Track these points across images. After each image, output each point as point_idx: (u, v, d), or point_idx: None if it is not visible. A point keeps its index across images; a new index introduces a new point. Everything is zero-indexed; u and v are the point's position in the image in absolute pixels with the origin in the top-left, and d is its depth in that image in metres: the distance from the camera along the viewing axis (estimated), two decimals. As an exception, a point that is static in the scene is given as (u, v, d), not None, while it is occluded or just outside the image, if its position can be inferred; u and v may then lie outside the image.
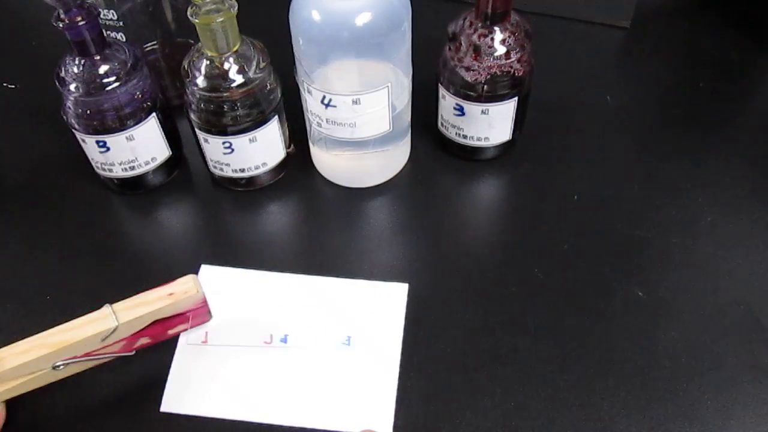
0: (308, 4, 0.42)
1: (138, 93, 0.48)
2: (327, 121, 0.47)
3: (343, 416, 0.41)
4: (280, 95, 0.49)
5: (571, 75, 0.61)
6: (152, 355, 0.43)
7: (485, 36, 0.46)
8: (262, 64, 0.46)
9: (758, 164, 0.53)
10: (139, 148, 0.50)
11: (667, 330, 0.44)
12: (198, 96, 0.46)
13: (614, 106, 0.58)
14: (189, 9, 0.43)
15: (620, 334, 0.44)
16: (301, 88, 0.47)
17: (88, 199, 0.53)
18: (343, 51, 0.43)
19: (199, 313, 0.42)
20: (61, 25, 0.44)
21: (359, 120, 0.46)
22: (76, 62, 0.46)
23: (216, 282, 0.47)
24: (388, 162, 0.53)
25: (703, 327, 0.44)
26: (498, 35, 0.46)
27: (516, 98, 0.49)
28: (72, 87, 0.46)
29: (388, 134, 0.49)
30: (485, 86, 0.48)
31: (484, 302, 0.46)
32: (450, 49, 0.48)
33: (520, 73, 0.48)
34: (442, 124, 0.53)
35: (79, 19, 0.43)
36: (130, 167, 0.50)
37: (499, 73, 0.47)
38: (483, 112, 0.49)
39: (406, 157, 0.54)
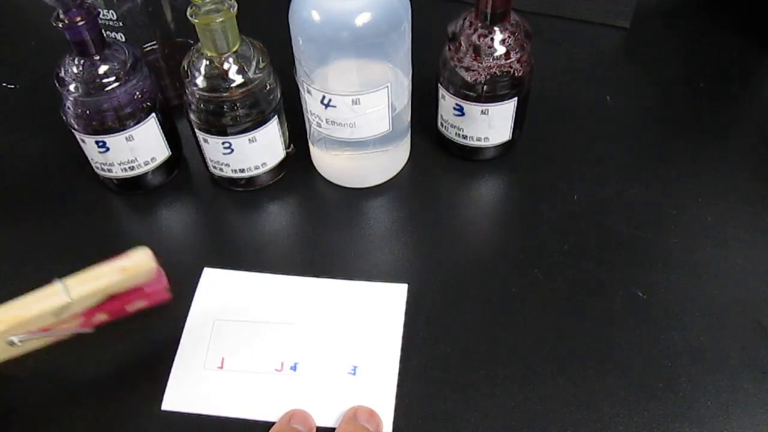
0: (308, 4, 0.42)
1: (137, 93, 0.48)
2: (327, 121, 0.47)
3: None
4: (279, 95, 0.49)
5: (571, 75, 0.61)
6: (154, 354, 0.44)
7: (485, 36, 0.46)
8: (261, 64, 0.46)
9: (758, 164, 0.53)
10: (138, 149, 0.50)
11: (667, 330, 0.44)
12: (198, 96, 0.46)
13: (614, 106, 0.58)
14: (189, 9, 0.43)
15: (620, 334, 0.44)
16: (300, 88, 0.47)
17: (87, 199, 0.53)
18: (343, 51, 0.43)
19: (157, 290, 0.40)
20: (60, 25, 0.44)
21: (359, 120, 0.46)
22: (76, 62, 0.46)
23: (218, 285, 0.47)
24: (388, 162, 0.53)
25: (703, 327, 0.44)
26: (498, 35, 0.46)
27: (516, 98, 0.49)
28: (71, 87, 0.46)
29: (387, 134, 0.48)
30: (485, 86, 0.48)
31: (484, 302, 0.46)
32: (450, 49, 0.48)
33: (520, 73, 0.48)
34: (442, 124, 0.53)
35: (79, 19, 0.43)
36: (129, 167, 0.50)
37: (498, 73, 0.47)
38: (483, 112, 0.49)
39: (406, 157, 0.54)
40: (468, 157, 0.54)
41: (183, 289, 0.47)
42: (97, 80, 0.46)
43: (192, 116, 0.48)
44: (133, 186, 0.52)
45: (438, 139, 0.55)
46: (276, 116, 0.49)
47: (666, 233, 0.49)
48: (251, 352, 0.44)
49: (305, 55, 0.44)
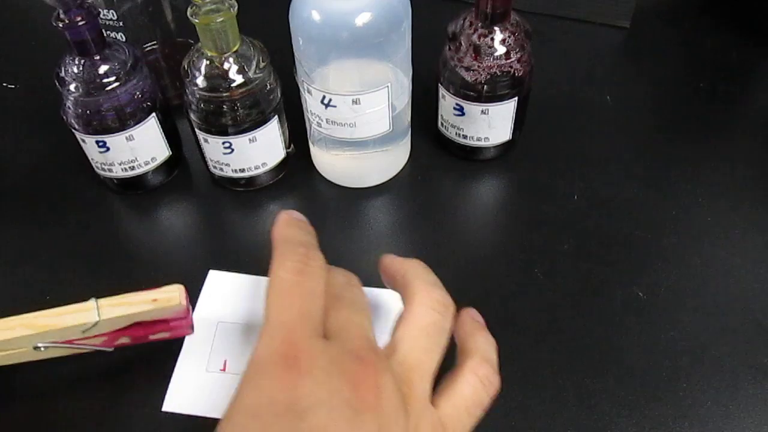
0: (308, 4, 0.42)
1: (138, 93, 0.48)
2: (327, 121, 0.47)
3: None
4: (280, 95, 0.49)
5: (571, 75, 0.61)
6: (156, 354, 0.44)
7: (485, 36, 0.46)
8: (262, 64, 0.46)
9: (758, 164, 0.53)
10: (138, 148, 0.50)
11: (667, 330, 0.44)
12: (198, 96, 0.46)
13: (614, 106, 0.58)
14: (189, 9, 0.43)
15: (620, 334, 0.44)
16: (301, 88, 0.47)
17: (87, 199, 0.53)
18: (343, 51, 0.43)
19: (181, 325, 0.42)
20: (61, 25, 0.44)
21: (359, 120, 0.46)
22: (76, 62, 0.46)
23: (223, 288, 0.47)
24: (388, 162, 0.53)
25: (703, 327, 0.44)
26: (498, 35, 0.46)
27: (516, 98, 0.49)
28: (72, 87, 0.46)
29: (388, 134, 0.49)
30: (485, 86, 0.48)
31: (484, 302, 0.46)
32: (450, 49, 0.48)
33: (520, 73, 0.48)
34: (442, 124, 0.53)
35: (79, 19, 0.43)
36: (129, 167, 0.50)
37: (499, 73, 0.47)
38: (483, 112, 0.49)
39: (406, 157, 0.54)
40: (468, 157, 0.54)
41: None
42: (98, 80, 0.46)
43: (192, 116, 0.48)
44: (134, 186, 0.52)
45: (438, 139, 0.55)
46: (276, 116, 0.49)
47: (666, 233, 0.49)
48: None
49: (305, 55, 0.44)
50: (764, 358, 0.43)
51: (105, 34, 0.46)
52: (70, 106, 0.47)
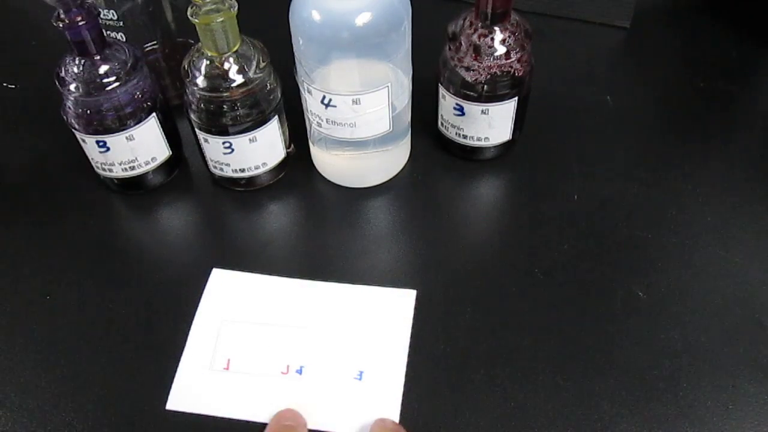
0: (308, 4, 0.42)
1: (138, 93, 0.48)
2: (327, 121, 0.47)
3: (348, 419, 0.41)
4: (280, 95, 0.49)
5: (571, 75, 0.61)
6: (160, 352, 0.44)
7: (485, 36, 0.46)
8: (262, 64, 0.46)
9: (758, 164, 0.53)
10: (139, 148, 0.50)
11: (667, 330, 0.44)
12: (198, 96, 0.46)
13: (614, 106, 0.58)
14: (189, 9, 0.43)
15: (620, 334, 0.44)
16: (301, 88, 0.47)
17: (88, 199, 0.53)
18: (343, 51, 0.43)
19: None
20: (61, 25, 0.44)
21: (359, 120, 0.46)
22: (76, 62, 0.46)
23: (226, 286, 0.47)
24: (388, 162, 0.53)
25: (703, 327, 0.44)
26: (498, 35, 0.46)
27: (516, 98, 0.49)
28: (72, 87, 0.46)
29: (388, 134, 0.49)
30: (485, 86, 0.48)
31: (484, 302, 0.46)
32: (450, 49, 0.48)
33: (520, 73, 0.48)
34: (442, 124, 0.53)
35: (79, 19, 0.43)
36: (130, 167, 0.50)
37: (499, 73, 0.47)
38: (483, 112, 0.49)
39: (406, 157, 0.54)
40: (468, 157, 0.54)
41: (185, 289, 0.47)
42: (98, 80, 0.46)
43: (192, 116, 0.48)
44: (134, 186, 0.52)
45: (438, 139, 0.55)
46: (276, 116, 0.49)
47: (666, 233, 0.49)
48: (257, 355, 0.44)
49: (305, 55, 0.44)
50: (764, 358, 0.43)
51: (105, 34, 0.46)
52: (71, 106, 0.47)
